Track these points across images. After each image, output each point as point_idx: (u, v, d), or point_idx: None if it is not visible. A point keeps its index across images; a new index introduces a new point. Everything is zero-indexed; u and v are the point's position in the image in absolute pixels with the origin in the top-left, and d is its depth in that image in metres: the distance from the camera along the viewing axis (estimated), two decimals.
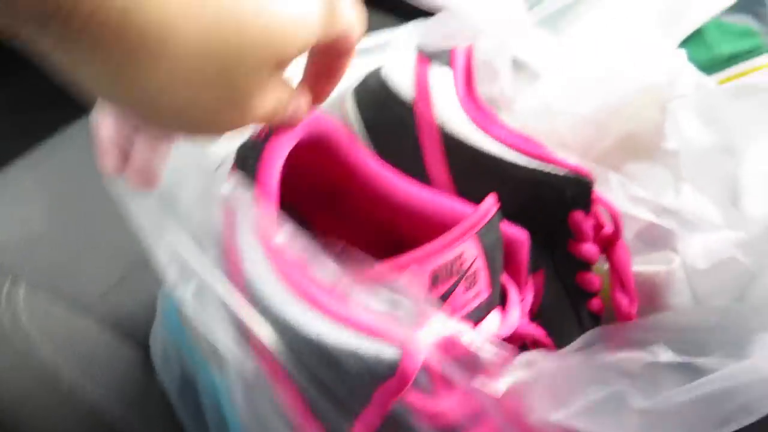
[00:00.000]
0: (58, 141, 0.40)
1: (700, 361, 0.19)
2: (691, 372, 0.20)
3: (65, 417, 0.27)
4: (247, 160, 0.24)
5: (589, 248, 0.33)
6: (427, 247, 0.23)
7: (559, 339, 0.33)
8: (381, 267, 0.22)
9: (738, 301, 0.33)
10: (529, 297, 0.30)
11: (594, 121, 0.35)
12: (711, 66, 0.37)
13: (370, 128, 0.33)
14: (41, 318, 0.29)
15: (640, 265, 0.37)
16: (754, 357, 0.18)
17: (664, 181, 0.37)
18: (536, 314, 0.34)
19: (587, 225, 0.32)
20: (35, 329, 0.28)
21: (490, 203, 0.26)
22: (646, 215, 0.35)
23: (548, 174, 0.30)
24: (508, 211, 0.28)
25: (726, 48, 0.37)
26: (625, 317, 0.35)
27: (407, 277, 0.22)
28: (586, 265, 0.34)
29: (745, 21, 0.38)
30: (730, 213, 0.33)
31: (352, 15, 0.22)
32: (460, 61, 0.33)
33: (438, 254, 0.23)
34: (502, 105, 0.35)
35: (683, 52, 0.37)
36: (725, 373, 0.19)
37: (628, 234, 0.36)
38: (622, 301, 0.34)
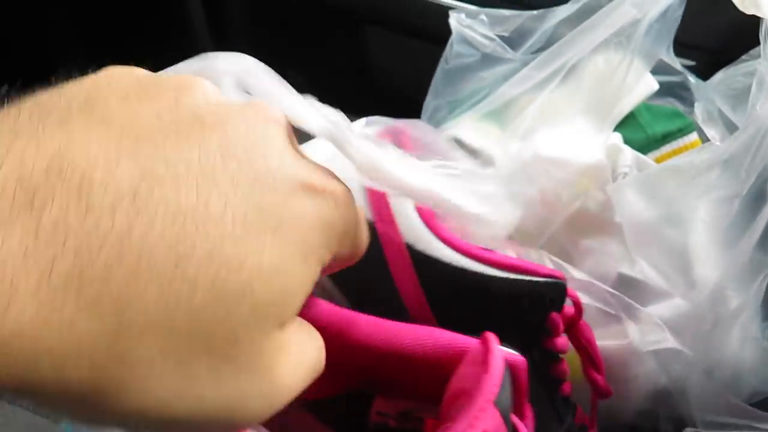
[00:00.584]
0: None
1: None
2: None
3: None
4: None
5: (562, 341, 0.33)
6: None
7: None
8: None
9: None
10: (533, 422, 0.28)
11: (545, 200, 0.37)
12: (646, 146, 0.40)
13: None
14: None
15: (601, 339, 0.38)
16: None
17: (620, 254, 0.39)
18: None
19: (560, 321, 0.32)
20: None
21: (497, 351, 0.24)
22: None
23: (529, 282, 0.30)
24: (485, 326, 0.26)
25: (659, 128, 0.40)
26: (603, 391, 0.35)
27: None
28: (557, 356, 0.34)
29: (670, 104, 0.42)
30: (678, 281, 0.35)
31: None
32: None
33: None
34: None
35: (618, 135, 0.40)
36: None
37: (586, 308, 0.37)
38: (597, 377, 0.35)
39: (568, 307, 0.33)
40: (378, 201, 0.30)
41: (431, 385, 0.26)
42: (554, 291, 0.31)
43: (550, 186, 0.37)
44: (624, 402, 0.39)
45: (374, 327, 0.26)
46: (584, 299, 0.36)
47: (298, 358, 0.16)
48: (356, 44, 0.67)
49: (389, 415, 0.29)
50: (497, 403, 0.22)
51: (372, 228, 0.30)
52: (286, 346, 0.16)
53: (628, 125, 0.40)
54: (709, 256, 0.37)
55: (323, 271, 0.17)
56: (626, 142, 0.40)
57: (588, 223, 0.38)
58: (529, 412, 0.27)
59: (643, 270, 0.37)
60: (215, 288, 0.13)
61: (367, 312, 0.27)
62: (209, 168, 0.14)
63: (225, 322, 0.14)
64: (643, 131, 0.40)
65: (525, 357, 0.32)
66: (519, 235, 0.37)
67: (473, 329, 0.26)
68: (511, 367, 0.25)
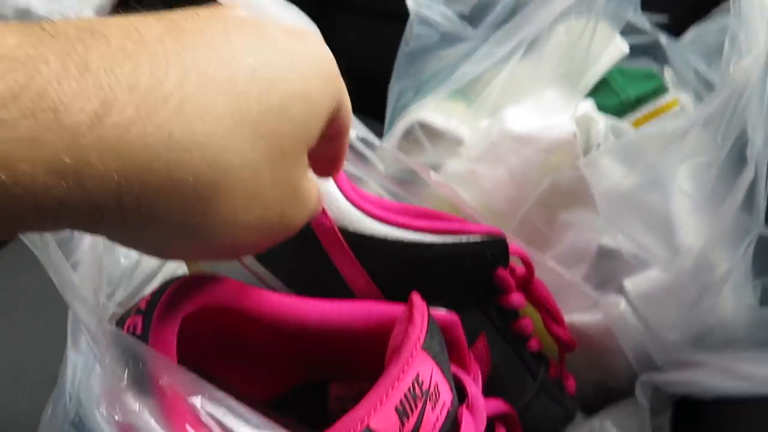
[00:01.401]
0: None
1: None
2: None
3: None
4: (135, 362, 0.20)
5: (517, 297, 0.33)
6: (381, 385, 0.22)
7: (513, 391, 0.34)
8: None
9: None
10: (478, 373, 0.29)
11: (516, 179, 0.36)
12: (621, 110, 0.38)
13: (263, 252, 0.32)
14: None
15: (589, 314, 0.38)
16: None
17: (599, 225, 0.38)
18: (488, 377, 0.34)
19: (509, 277, 0.32)
20: None
21: (420, 305, 0.25)
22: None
23: (467, 244, 0.31)
24: (434, 292, 0.28)
25: (632, 92, 0.38)
26: (566, 344, 0.35)
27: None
28: (516, 313, 0.34)
29: (644, 65, 0.40)
30: (659, 251, 0.34)
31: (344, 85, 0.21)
32: None
33: (394, 388, 0.22)
34: (424, 175, 0.36)
35: (592, 102, 0.38)
36: None
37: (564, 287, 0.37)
38: (559, 331, 0.35)
39: (519, 267, 0.33)
40: None
41: (377, 358, 0.26)
42: (494, 247, 0.31)
43: (519, 164, 0.36)
44: (612, 374, 0.38)
45: (310, 309, 0.27)
46: (561, 278, 0.35)
47: (313, 187, 0.21)
48: (322, 26, 0.65)
49: (347, 398, 0.30)
50: (427, 348, 0.23)
51: None
52: (308, 171, 0.20)
53: (601, 91, 0.38)
54: (691, 222, 0.35)
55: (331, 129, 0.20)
56: (600, 108, 0.38)
57: (562, 198, 0.37)
58: (474, 366, 0.28)
59: (622, 242, 0.36)
60: (261, 101, 0.16)
61: None
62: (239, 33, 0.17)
63: (276, 133, 0.17)
64: (617, 96, 0.38)
65: (484, 318, 0.32)
66: (491, 216, 0.36)
67: (423, 299, 0.26)
68: (443, 324, 0.26)
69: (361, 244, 0.30)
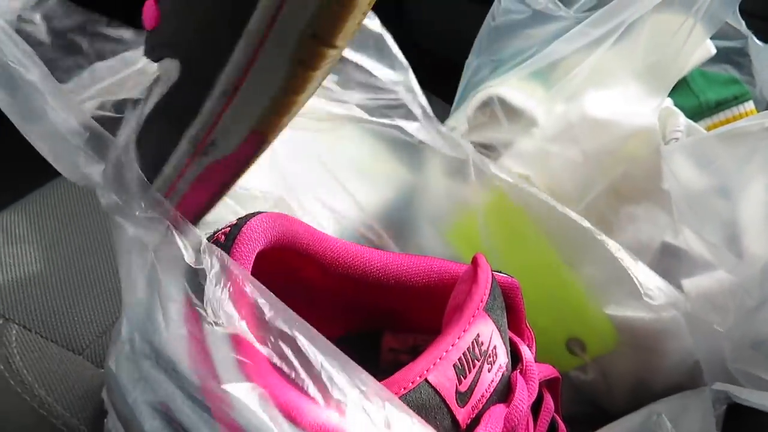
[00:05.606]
0: (51, 186, 0.40)
1: None
2: None
3: None
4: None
5: None
6: (442, 342, 0.22)
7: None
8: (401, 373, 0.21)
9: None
10: (533, 340, 0.29)
11: (588, 163, 0.36)
12: (699, 113, 0.38)
13: None
14: (35, 359, 0.28)
15: (646, 312, 0.37)
16: None
17: (664, 222, 0.38)
18: None
19: None
20: (28, 370, 0.27)
21: (484, 266, 0.25)
22: None
23: None
24: None
25: (712, 95, 0.38)
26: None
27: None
28: None
29: (725, 70, 0.40)
30: (725, 254, 0.33)
31: None
32: None
33: (454, 345, 0.22)
34: (501, 149, 0.36)
35: (669, 100, 0.38)
36: None
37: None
38: None
39: None
40: None
41: (434, 314, 0.26)
42: None
43: (594, 148, 0.36)
44: (653, 375, 0.38)
45: (373, 258, 0.27)
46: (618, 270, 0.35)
47: None
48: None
49: (400, 350, 0.30)
50: (488, 311, 0.23)
51: None
52: None
53: (679, 91, 0.38)
54: (760, 231, 0.35)
55: None
56: (677, 107, 0.38)
57: (632, 189, 0.36)
58: (528, 332, 0.28)
59: (688, 240, 0.36)
60: None
61: None
62: None
63: None
64: (696, 98, 0.38)
65: None
66: (557, 199, 0.36)
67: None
68: (504, 287, 0.26)
69: None
